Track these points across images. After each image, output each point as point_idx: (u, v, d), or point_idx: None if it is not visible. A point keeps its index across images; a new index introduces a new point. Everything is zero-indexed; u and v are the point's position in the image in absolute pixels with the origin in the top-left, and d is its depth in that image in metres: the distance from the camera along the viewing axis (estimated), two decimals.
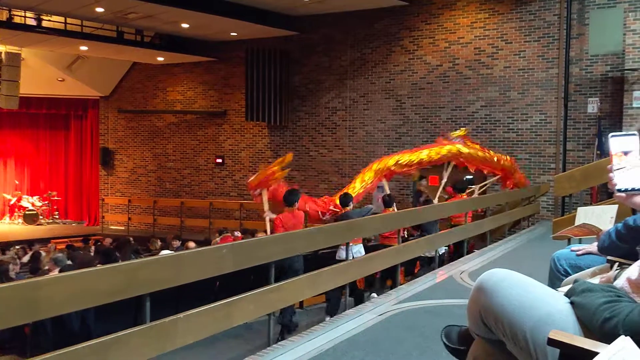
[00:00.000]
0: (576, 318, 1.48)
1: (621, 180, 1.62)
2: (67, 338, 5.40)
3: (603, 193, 10.90)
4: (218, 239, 10.41)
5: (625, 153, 1.61)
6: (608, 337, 1.30)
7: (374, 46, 15.08)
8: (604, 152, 11.63)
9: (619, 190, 1.62)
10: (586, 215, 3.19)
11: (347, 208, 8.64)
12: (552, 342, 1.30)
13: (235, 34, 16.19)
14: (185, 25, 15.30)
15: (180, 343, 3.64)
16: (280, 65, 16.24)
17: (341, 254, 7.90)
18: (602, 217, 3.02)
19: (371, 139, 15.19)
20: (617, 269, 2.02)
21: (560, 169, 12.38)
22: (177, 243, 11.48)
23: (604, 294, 1.44)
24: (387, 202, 9.53)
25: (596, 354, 1.16)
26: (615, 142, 1.63)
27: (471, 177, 11.93)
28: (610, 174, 1.62)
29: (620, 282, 1.55)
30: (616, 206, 3.16)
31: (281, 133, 16.68)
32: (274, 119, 16.24)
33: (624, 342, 1.15)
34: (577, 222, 3.17)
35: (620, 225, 2.54)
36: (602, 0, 12.26)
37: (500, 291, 1.57)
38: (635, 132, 1.63)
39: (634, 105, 10.97)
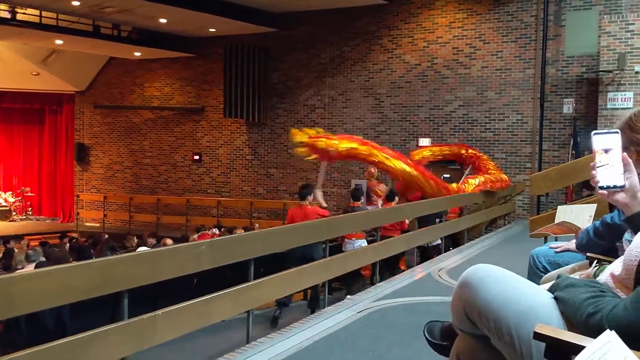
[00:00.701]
0: (560, 313, 1.49)
1: (603, 177, 1.63)
2: (42, 335, 5.30)
3: (578, 192, 11.06)
4: (196, 237, 10.33)
5: (607, 151, 1.63)
6: (592, 332, 1.31)
7: (354, 44, 15.10)
8: (579, 152, 11.81)
9: (601, 188, 1.64)
10: (565, 213, 3.23)
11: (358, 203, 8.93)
12: (537, 336, 1.31)
13: (213, 29, 16.08)
14: (163, 21, 15.15)
15: (158, 340, 3.60)
16: (259, 62, 16.17)
17: (347, 247, 8.31)
18: (580, 215, 3.06)
19: None
20: (595, 266, 2.04)
21: (536, 168, 12.52)
22: (152, 241, 11.35)
23: (588, 289, 1.45)
24: (390, 196, 9.90)
25: (581, 347, 1.16)
26: (598, 140, 1.64)
27: (448, 175, 12.00)
28: (593, 172, 1.63)
29: (604, 278, 1.56)
30: (595, 205, 3.21)
31: (259, 130, 16.61)
32: (252, 116, 16.17)
33: (609, 336, 1.16)
34: (557, 221, 3.20)
35: (598, 222, 2.58)
36: (578, 3, 12.44)
37: (484, 286, 1.58)
38: (617, 130, 1.65)
39: (609, 106, 11.14)
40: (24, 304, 2.97)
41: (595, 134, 1.65)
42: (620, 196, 1.65)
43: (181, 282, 5.78)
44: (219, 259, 4.24)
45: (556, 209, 3.60)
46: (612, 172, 1.62)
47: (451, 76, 13.86)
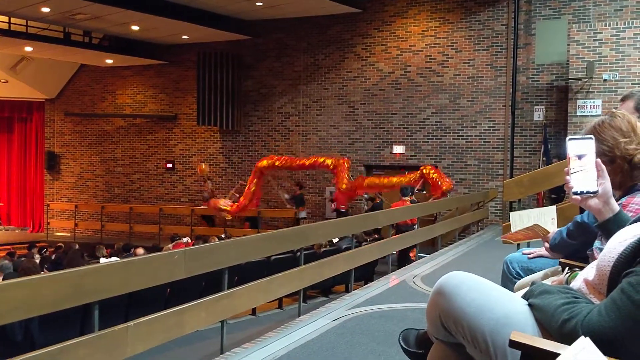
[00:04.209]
0: (535, 320, 1.49)
1: (577, 183, 1.64)
2: (9, 349, 5.17)
3: (548, 197, 11.22)
4: (170, 246, 10.21)
5: (581, 157, 1.64)
6: (567, 339, 1.31)
7: (327, 52, 15.14)
8: (549, 158, 11.99)
9: (575, 193, 1.65)
10: (521, 218, 3.23)
11: None
12: (513, 344, 1.30)
13: (186, 37, 15.99)
14: (135, 28, 15.01)
15: (130, 352, 3.53)
16: (233, 69, 16.12)
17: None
18: (541, 219, 3.07)
19: (324, 144, 15.22)
20: (567, 272, 2.05)
21: (508, 175, 12.68)
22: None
23: (562, 296, 1.46)
24: (404, 191, 10.94)
25: (557, 355, 1.16)
26: (572, 146, 1.65)
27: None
28: (567, 177, 1.64)
29: (577, 284, 1.57)
30: (554, 207, 3.23)
31: (233, 138, 16.53)
32: (226, 123, 16.08)
33: (583, 342, 1.16)
34: (513, 226, 3.21)
35: (570, 224, 2.60)
36: (548, 12, 12.66)
37: (459, 294, 1.57)
38: (592, 136, 1.66)
39: (578, 114, 11.34)
40: None
41: (570, 139, 1.66)
42: (593, 202, 1.66)
43: (154, 292, 5.70)
44: (193, 268, 4.19)
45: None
46: (586, 178, 1.63)
47: (424, 84, 13.98)
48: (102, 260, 9.21)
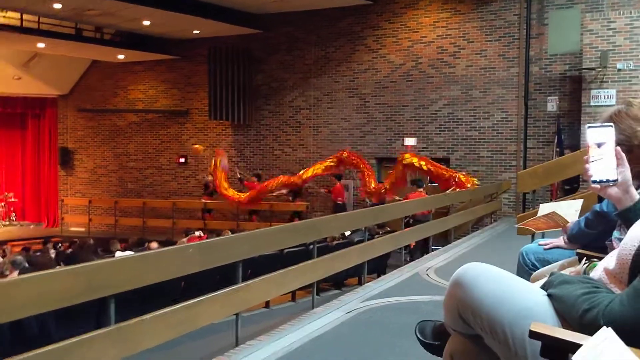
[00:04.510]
0: (554, 311, 1.47)
1: (596, 171, 1.62)
2: (27, 342, 5.22)
3: (562, 189, 11.13)
4: (185, 240, 10.24)
5: (600, 145, 1.61)
6: (588, 329, 1.29)
7: (338, 45, 15.08)
8: (562, 149, 11.89)
9: (594, 182, 1.62)
10: (550, 210, 3.20)
11: None
12: (533, 335, 1.29)
13: (197, 31, 15.99)
14: (146, 23, 15.04)
15: (145, 345, 3.55)
16: (244, 63, 16.11)
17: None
18: (566, 210, 3.04)
19: (335, 137, 15.19)
20: (585, 263, 2.02)
21: (521, 166, 12.59)
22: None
23: (582, 286, 1.44)
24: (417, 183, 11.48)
25: (578, 345, 1.14)
26: (592, 134, 1.63)
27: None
28: (586, 165, 1.62)
29: (597, 274, 1.55)
30: (581, 200, 3.19)
31: (245, 132, 16.55)
32: (237, 117, 16.10)
33: (605, 333, 1.14)
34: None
35: (588, 213, 2.57)
36: (561, 1, 12.52)
37: (477, 285, 1.56)
38: (612, 124, 1.63)
39: (592, 104, 11.23)
40: (9, 310, 2.91)
41: (589, 127, 1.63)
42: (613, 190, 1.63)
43: (168, 285, 5.72)
44: (207, 261, 4.20)
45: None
46: (605, 166, 1.61)
47: (436, 75, 13.90)
48: (118, 254, 9.26)
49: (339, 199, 14.05)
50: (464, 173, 12.29)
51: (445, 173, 12.13)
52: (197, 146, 15.50)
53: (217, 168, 14.39)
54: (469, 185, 11.70)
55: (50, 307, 3.33)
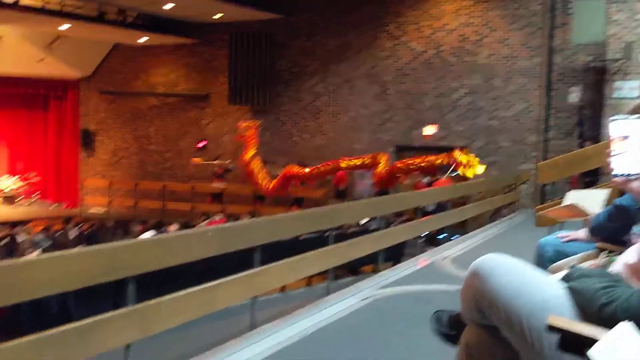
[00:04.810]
0: (572, 304, 1.47)
1: (619, 165, 1.60)
2: (46, 321, 5.32)
3: (582, 182, 11.01)
4: (204, 223, 10.33)
5: (624, 138, 1.59)
6: (606, 323, 1.29)
7: (359, 31, 15.00)
8: (584, 140, 11.75)
9: (616, 175, 1.61)
10: (574, 199, 3.17)
11: None
12: (551, 328, 1.29)
13: (219, 15, 15.98)
14: (168, 6, 15.05)
15: (163, 327, 3.60)
16: (264, 48, 16.10)
17: None
18: (591, 200, 3.01)
19: (354, 124, 15.16)
20: (605, 256, 2.01)
21: (541, 157, 12.47)
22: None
23: (601, 280, 1.43)
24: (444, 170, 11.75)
25: (596, 339, 1.14)
26: (615, 126, 1.61)
27: None
28: (609, 159, 1.60)
29: (617, 268, 1.54)
30: (608, 190, 3.16)
31: (264, 118, 16.55)
32: (257, 103, 16.12)
33: (624, 327, 1.14)
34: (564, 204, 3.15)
35: (610, 207, 2.55)
36: None
37: (495, 276, 1.55)
38: (637, 117, 1.61)
39: (615, 96, 11.08)
40: (29, 289, 2.97)
41: (612, 119, 1.61)
42: (635, 184, 1.62)
43: (186, 268, 5.78)
44: (226, 245, 4.24)
45: (561, 197, 3.56)
46: (629, 160, 1.59)
47: (457, 63, 13.78)
48: (146, 234, 9.38)
49: (341, 185, 14.27)
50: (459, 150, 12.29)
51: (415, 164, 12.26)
52: (196, 159, 16.08)
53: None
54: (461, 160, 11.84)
55: (73, 287, 3.39)
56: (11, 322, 5.93)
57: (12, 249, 9.76)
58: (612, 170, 1.61)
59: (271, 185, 14.19)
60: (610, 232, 2.43)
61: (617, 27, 11.04)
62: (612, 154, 1.60)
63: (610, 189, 3.11)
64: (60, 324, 3.12)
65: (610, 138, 1.61)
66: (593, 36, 11.87)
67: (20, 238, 10.69)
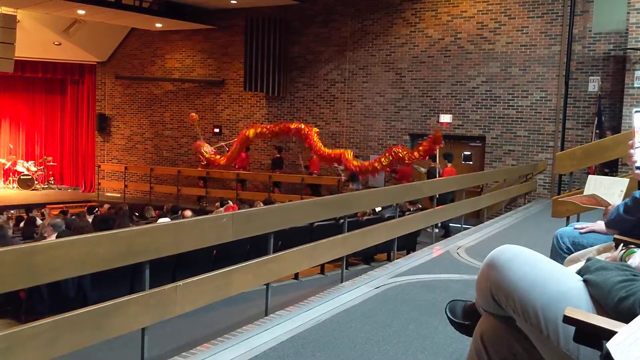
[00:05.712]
0: (589, 296, 1.46)
1: None
2: (63, 304, 5.39)
3: (600, 173, 10.90)
4: (221, 209, 10.36)
5: None
6: (624, 317, 1.28)
7: (375, 18, 14.90)
8: (602, 131, 11.61)
9: (638, 168, 1.59)
10: (596, 183, 3.13)
11: None
12: (567, 320, 1.28)
13: (235, 1, 15.96)
14: None
15: (179, 311, 3.63)
16: (280, 35, 16.05)
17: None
18: (610, 189, 2.97)
19: (369, 112, 15.10)
20: (622, 249, 1.99)
21: (559, 147, 12.36)
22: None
23: (620, 273, 1.42)
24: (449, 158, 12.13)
25: (613, 332, 1.14)
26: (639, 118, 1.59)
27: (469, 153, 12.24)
28: (631, 150, 1.59)
29: (636, 261, 1.53)
30: (627, 180, 3.12)
31: (279, 104, 16.56)
32: (272, 89, 16.11)
33: None
34: (586, 190, 3.11)
35: (628, 199, 2.53)
36: None
37: (512, 268, 1.55)
38: None
39: (635, 85, 10.90)
40: (47, 272, 3.01)
41: (637, 111, 1.59)
42: None
43: (201, 254, 5.83)
44: (241, 231, 4.26)
45: (579, 188, 3.53)
46: None
47: (474, 51, 13.65)
48: (161, 220, 9.44)
49: (315, 172, 14.80)
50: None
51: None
52: (194, 115, 16.18)
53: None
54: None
55: (91, 270, 3.43)
56: (30, 304, 6.03)
57: (31, 233, 9.88)
58: (634, 162, 1.59)
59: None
60: (629, 225, 2.41)
61: (639, 16, 10.86)
62: (634, 145, 1.58)
63: (628, 180, 3.07)
64: (77, 307, 3.16)
65: (634, 129, 1.59)
66: (614, 24, 11.67)
67: (36, 221, 10.82)
